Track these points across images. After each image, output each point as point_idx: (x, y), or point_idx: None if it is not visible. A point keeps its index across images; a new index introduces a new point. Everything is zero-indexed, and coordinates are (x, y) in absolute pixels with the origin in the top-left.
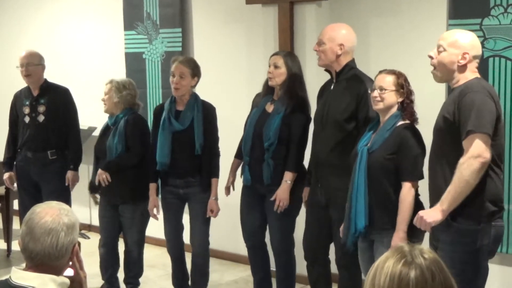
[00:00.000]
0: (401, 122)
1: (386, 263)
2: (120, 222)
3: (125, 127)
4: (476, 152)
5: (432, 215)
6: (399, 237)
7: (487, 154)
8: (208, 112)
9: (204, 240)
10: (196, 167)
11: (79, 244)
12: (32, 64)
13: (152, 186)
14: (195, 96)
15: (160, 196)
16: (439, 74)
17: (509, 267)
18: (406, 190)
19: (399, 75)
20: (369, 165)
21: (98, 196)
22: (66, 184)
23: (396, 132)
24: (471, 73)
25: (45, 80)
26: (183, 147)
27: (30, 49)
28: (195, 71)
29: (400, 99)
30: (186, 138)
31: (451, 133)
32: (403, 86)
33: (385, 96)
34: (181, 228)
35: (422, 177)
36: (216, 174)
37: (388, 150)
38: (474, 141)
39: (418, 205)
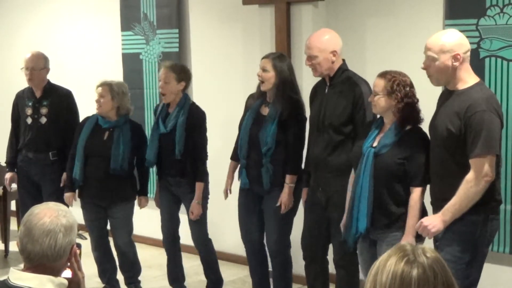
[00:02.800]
0: (408, 127)
1: (388, 262)
2: (108, 223)
3: (131, 135)
4: (484, 173)
5: (435, 224)
6: (408, 242)
7: (493, 174)
8: (193, 117)
9: (202, 237)
10: (180, 170)
11: (79, 245)
12: (37, 69)
13: (157, 182)
14: (184, 100)
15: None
16: (436, 81)
17: (499, 265)
18: (418, 195)
19: (390, 79)
20: (377, 168)
21: (74, 198)
22: (61, 185)
23: (408, 137)
24: (468, 73)
25: (48, 82)
26: (167, 150)
27: (36, 52)
28: (181, 76)
29: (393, 102)
30: (170, 141)
31: (455, 144)
32: (394, 90)
33: (377, 101)
34: (176, 222)
35: (429, 181)
36: (200, 178)
37: (399, 154)
38: (482, 162)
39: (422, 209)
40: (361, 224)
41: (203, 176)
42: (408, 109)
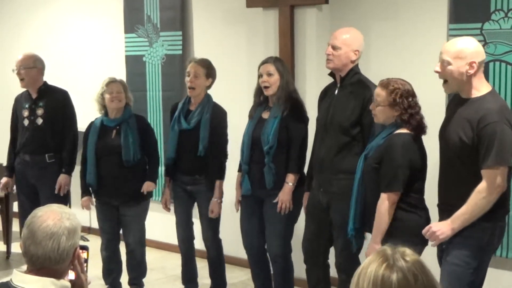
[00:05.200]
0: (398, 131)
1: (369, 268)
2: (120, 222)
3: (137, 127)
4: (496, 184)
5: (444, 231)
6: (371, 249)
7: (505, 184)
8: (216, 115)
9: (213, 237)
10: (200, 167)
11: (86, 248)
12: (25, 68)
13: (166, 180)
14: (208, 98)
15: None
16: (449, 87)
17: (504, 270)
18: (381, 201)
19: (392, 91)
20: (362, 172)
21: (91, 202)
22: (57, 187)
23: (387, 140)
24: (481, 82)
25: (44, 83)
26: (188, 146)
27: (26, 52)
28: (210, 72)
29: (396, 113)
30: (192, 138)
31: (467, 153)
32: (396, 102)
33: (378, 112)
34: (191, 222)
35: (396, 190)
36: (220, 176)
37: (376, 159)
38: (495, 174)
39: (425, 213)
40: (349, 226)
41: (223, 174)
42: (415, 118)
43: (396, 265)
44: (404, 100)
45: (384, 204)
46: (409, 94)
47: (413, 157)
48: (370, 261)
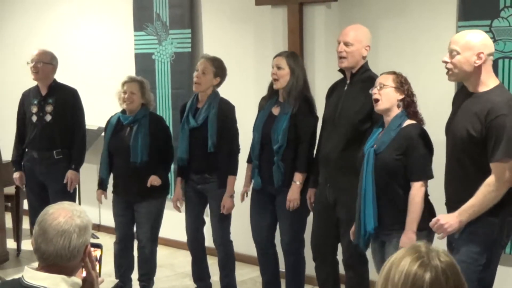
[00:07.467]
0: (407, 122)
1: (402, 261)
2: (134, 219)
3: (150, 127)
4: (505, 178)
5: (451, 223)
6: (408, 237)
7: None
8: (223, 110)
9: (224, 237)
10: (211, 165)
11: (100, 246)
12: (42, 62)
13: (177, 180)
14: (215, 94)
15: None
16: (454, 76)
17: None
18: (416, 190)
19: (398, 75)
20: (376, 166)
21: (104, 195)
22: (64, 182)
23: (403, 132)
24: (489, 76)
25: (54, 80)
26: (198, 144)
27: (44, 49)
28: (219, 72)
29: (400, 97)
30: (201, 136)
31: (475, 147)
32: (402, 84)
33: (383, 92)
34: (200, 222)
35: (431, 176)
36: (232, 171)
37: (396, 150)
38: (504, 167)
39: (428, 206)
40: (369, 225)
41: (235, 169)
42: (415, 106)
43: (431, 264)
44: (408, 86)
45: (420, 191)
46: (408, 83)
47: (431, 145)
48: (404, 255)
